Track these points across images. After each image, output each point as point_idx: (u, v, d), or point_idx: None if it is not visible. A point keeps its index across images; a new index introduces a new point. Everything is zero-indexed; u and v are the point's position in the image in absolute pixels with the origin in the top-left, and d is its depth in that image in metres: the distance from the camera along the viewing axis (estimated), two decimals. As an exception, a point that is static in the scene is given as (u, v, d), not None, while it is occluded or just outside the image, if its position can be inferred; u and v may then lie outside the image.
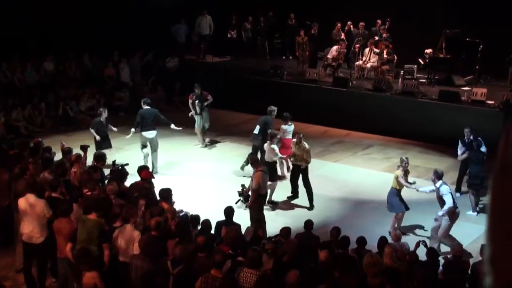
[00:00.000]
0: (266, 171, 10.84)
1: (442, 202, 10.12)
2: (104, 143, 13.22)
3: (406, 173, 10.87)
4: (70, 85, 18.64)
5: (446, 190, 10.10)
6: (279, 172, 13.10)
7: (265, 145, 12.52)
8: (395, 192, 10.87)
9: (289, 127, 13.28)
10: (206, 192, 12.44)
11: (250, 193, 10.70)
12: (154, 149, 13.50)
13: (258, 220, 10.27)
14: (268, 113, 13.53)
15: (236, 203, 11.03)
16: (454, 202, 10.06)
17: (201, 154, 15.28)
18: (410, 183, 10.88)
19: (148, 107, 13.55)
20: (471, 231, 10.61)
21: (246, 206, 10.90)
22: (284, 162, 13.27)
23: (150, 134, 13.39)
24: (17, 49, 18.56)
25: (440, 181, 10.19)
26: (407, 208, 10.89)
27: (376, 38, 18.60)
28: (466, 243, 10.14)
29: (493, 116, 15.00)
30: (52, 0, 19.24)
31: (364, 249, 8.12)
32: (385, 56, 18.18)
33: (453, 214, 10.07)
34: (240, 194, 11.16)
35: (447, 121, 15.61)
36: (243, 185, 11.22)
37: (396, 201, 10.86)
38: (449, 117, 15.66)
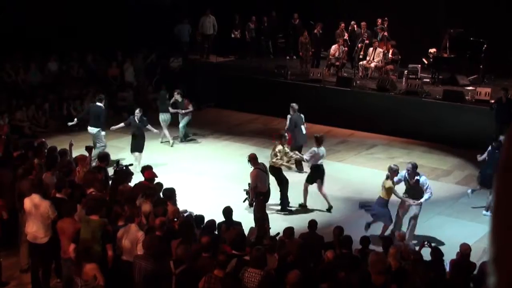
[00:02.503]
0: (264, 169, 10.84)
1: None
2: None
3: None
4: (74, 85, 18.64)
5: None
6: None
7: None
8: (384, 203, 10.52)
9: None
10: (209, 192, 12.43)
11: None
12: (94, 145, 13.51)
13: (260, 218, 10.27)
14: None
15: (244, 201, 11.06)
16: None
17: (204, 153, 15.28)
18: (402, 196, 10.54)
19: (99, 104, 13.88)
20: (475, 231, 10.58)
21: (249, 205, 10.93)
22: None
23: (91, 130, 13.68)
24: (21, 49, 18.59)
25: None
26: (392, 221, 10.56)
27: (381, 35, 18.55)
28: (471, 243, 10.09)
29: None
30: (55, 0, 19.26)
31: (368, 249, 8.11)
32: (390, 56, 18.16)
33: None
34: (247, 192, 11.17)
35: (451, 120, 15.58)
36: (249, 184, 11.23)
37: (387, 211, 10.52)
38: (453, 116, 15.62)
